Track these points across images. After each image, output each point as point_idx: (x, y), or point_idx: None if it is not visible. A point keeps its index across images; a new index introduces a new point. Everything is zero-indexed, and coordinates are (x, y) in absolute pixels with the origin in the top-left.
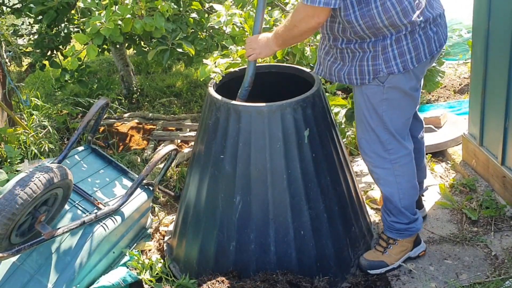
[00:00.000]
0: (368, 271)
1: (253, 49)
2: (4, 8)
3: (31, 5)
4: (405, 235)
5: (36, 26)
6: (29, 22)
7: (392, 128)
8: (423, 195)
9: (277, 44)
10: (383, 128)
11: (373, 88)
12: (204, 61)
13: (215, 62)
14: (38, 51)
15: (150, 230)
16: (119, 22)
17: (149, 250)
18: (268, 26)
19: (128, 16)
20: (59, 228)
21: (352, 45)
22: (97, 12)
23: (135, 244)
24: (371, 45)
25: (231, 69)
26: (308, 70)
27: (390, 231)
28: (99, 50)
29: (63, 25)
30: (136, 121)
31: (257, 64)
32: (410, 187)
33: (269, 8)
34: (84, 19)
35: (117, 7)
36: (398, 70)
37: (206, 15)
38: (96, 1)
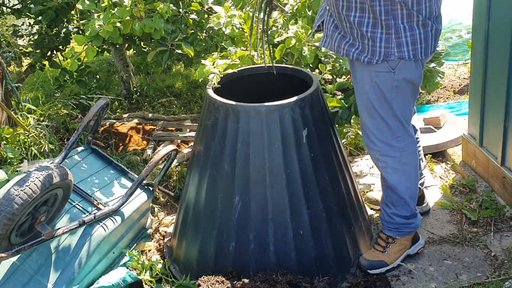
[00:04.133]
0: (369, 271)
1: None
2: (4, 8)
3: (31, 5)
4: (404, 233)
5: (36, 27)
6: (29, 23)
7: (400, 116)
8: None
9: None
10: (392, 115)
11: (384, 75)
12: (202, 61)
13: (213, 63)
14: (38, 51)
15: (150, 231)
16: (118, 24)
17: (149, 251)
18: (266, 26)
19: (127, 18)
20: (59, 229)
21: (365, 19)
22: (96, 14)
23: (135, 244)
24: (384, 24)
25: (230, 70)
26: (306, 70)
27: (389, 229)
28: (99, 50)
29: (62, 25)
30: (136, 121)
31: (256, 65)
32: (415, 176)
33: (268, 8)
34: (83, 20)
35: (116, 9)
36: (409, 57)
37: (206, 16)
38: (95, 2)
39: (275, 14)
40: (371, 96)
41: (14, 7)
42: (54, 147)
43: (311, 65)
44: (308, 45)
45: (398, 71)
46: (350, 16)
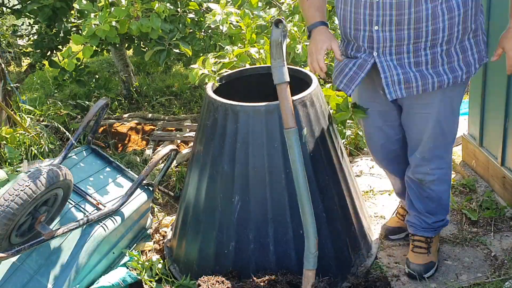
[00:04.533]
0: (424, 275)
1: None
2: (4, 8)
3: (30, 4)
4: (439, 230)
5: (36, 27)
6: (29, 23)
7: (457, 126)
8: None
9: None
10: (452, 128)
11: (458, 87)
12: (192, 66)
13: (203, 64)
14: (37, 51)
15: (149, 231)
16: (115, 24)
17: (149, 251)
18: (265, 23)
19: (124, 17)
20: (59, 229)
21: (454, 34)
22: (92, 14)
23: (135, 244)
24: (473, 27)
25: (229, 71)
26: (306, 70)
27: (427, 231)
28: (98, 50)
29: (61, 24)
30: (136, 121)
31: (255, 66)
32: None
33: (267, 7)
34: (81, 20)
35: (112, 8)
36: (486, 56)
37: (205, 15)
38: (93, 1)
39: (272, 11)
40: (440, 115)
41: (14, 7)
42: (54, 147)
43: (303, 63)
44: (303, 43)
45: (469, 81)
46: (438, 39)
